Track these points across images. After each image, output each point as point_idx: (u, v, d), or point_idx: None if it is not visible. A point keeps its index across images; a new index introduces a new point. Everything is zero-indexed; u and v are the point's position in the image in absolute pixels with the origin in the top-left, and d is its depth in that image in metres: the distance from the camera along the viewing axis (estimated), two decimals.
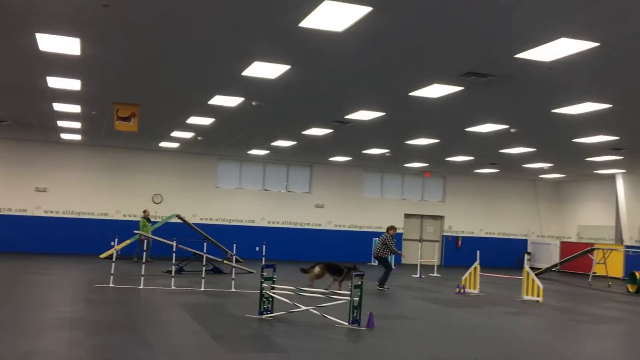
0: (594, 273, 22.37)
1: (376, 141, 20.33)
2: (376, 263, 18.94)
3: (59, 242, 24.86)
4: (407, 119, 15.94)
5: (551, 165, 24.48)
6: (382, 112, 14.99)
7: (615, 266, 23.76)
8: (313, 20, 8.41)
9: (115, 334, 9.07)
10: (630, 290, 19.54)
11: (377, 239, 18.09)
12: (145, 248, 16.43)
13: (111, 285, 14.65)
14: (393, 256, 19.11)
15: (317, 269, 15.82)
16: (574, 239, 29.99)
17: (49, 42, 10.16)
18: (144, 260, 15.58)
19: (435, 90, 12.36)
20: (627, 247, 24.49)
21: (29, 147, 24.84)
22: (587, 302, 16.51)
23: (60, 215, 25.19)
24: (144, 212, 23.49)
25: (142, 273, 15.15)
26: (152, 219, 24.48)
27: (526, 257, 17.17)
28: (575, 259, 23.71)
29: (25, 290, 13.38)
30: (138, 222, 23.81)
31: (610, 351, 10.18)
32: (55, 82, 13.32)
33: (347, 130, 17.97)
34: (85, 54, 10.82)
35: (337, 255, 27.94)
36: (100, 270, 17.83)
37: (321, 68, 11.14)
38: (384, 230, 17.91)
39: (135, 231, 19.14)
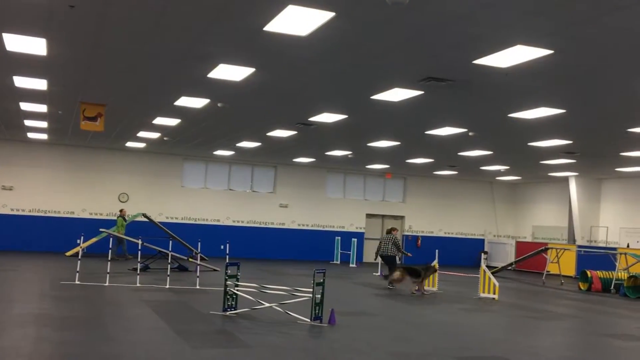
0: (548, 272, 23.03)
1: (339, 143, 20.58)
2: (378, 261, 19.94)
3: (25, 240, 24.71)
4: (369, 122, 16.16)
5: (507, 167, 25.00)
6: (345, 114, 15.20)
7: (567, 265, 24.47)
8: (278, 25, 8.51)
9: (80, 330, 9.16)
10: (582, 288, 20.17)
11: (385, 237, 18.78)
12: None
13: (77, 282, 14.67)
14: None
15: (396, 274, 16.71)
16: (528, 239, 30.73)
17: (16, 42, 10.14)
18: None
19: (396, 94, 12.55)
20: (579, 246, 25.19)
21: None
22: (540, 300, 17.01)
23: (26, 213, 25.02)
24: (121, 211, 23.53)
25: (108, 271, 15.20)
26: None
27: (483, 256, 17.59)
28: (530, 258, 24.37)
29: None
30: (105, 220, 23.85)
31: (561, 345, 10.60)
32: (21, 81, 13.27)
33: (310, 132, 18.19)
34: (51, 54, 10.82)
35: (301, 253, 28.26)
36: (66, 268, 17.82)
37: (285, 71, 11.27)
38: (386, 232, 19.11)
39: (101, 229, 19.11)
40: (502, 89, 11.64)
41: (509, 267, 25.57)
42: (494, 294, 16.22)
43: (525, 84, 11.14)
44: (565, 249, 23.39)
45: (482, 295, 16.46)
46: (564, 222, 28.66)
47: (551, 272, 23.50)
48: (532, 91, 11.77)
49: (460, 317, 12.75)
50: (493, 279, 16.42)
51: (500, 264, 27.09)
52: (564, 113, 13.47)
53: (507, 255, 29.57)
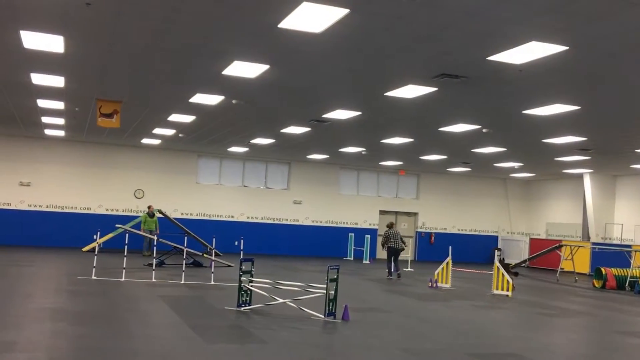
0: (562, 269, 22.95)
1: (353, 140, 20.62)
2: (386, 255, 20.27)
3: (42, 236, 24.96)
4: (383, 119, 16.18)
5: (521, 164, 24.93)
6: (359, 111, 15.24)
7: (582, 262, 24.39)
8: (292, 21, 8.55)
9: (96, 325, 9.24)
10: (596, 285, 20.08)
11: (393, 232, 19.76)
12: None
13: (93, 277, 14.81)
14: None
15: None
16: (542, 236, 30.62)
17: (33, 40, 10.27)
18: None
19: (410, 91, 12.57)
20: (594, 244, 25.09)
21: (13, 142, 24.95)
22: (554, 297, 16.97)
23: (43, 209, 25.29)
24: (149, 207, 23.92)
25: (124, 266, 15.35)
26: (134, 214, 25.26)
27: (496, 252, 17.59)
28: (544, 255, 24.29)
29: (9, 282, 13.48)
30: (121, 216, 24.30)
31: (576, 343, 10.60)
32: (39, 78, 13.42)
33: (324, 129, 18.23)
34: (68, 51, 10.94)
35: (314, 250, 28.33)
36: (83, 263, 17.97)
37: (299, 68, 11.31)
38: (390, 227, 19.89)
39: (117, 225, 19.29)
40: (517, 85, 11.64)
41: (523, 264, 25.49)
42: (508, 290, 16.18)
43: (539, 80, 11.13)
44: (579, 246, 23.29)
45: (495, 292, 16.44)
46: (578, 219, 28.52)
47: (565, 270, 23.41)
48: (546, 87, 11.75)
49: (473, 314, 12.76)
50: (507, 276, 16.40)
51: (513, 261, 27.01)
52: (578, 110, 13.44)
53: (521, 252, 29.49)
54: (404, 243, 19.65)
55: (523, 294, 16.92)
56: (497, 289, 16.47)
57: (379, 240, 29.77)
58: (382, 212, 30.51)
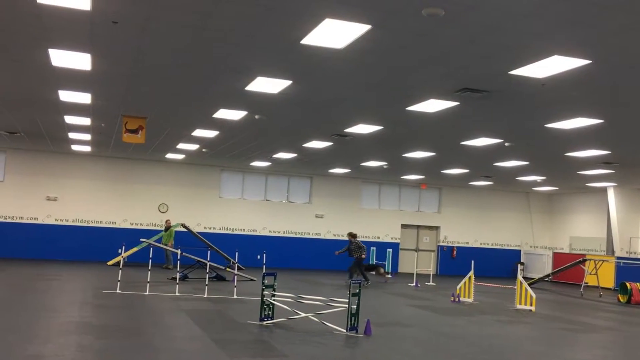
0: (586, 283, 22.70)
1: (374, 154, 20.66)
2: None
3: (68, 250, 25.32)
4: (405, 133, 16.22)
5: (544, 178, 24.78)
6: (380, 126, 15.30)
7: (606, 277, 24.11)
8: (314, 38, 8.64)
9: (121, 338, 9.35)
10: (621, 300, 19.86)
11: (359, 243, 21.93)
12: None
13: (118, 291, 14.97)
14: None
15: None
16: (566, 250, 30.31)
17: (61, 58, 10.48)
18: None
19: (432, 105, 12.60)
20: (618, 258, 24.80)
21: (40, 157, 25.39)
22: (579, 312, 16.79)
23: (69, 223, 25.63)
24: (166, 222, 24.40)
25: (148, 280, 15.49)
26: (158, 228, 25.86)
27: (519, 267, 17.50)
28: (568, 270, 24.05)
29: (35, 296, 13.66)
30: (145, 230, 25.12)
31: (601, 359, 10.48)
32: (66, 95, 13.66)
33: (346, 143, 18.31)
34: (95, 68, 11.15)
35: (336, 264, 28.31)
36: (108, 277, 18.18)
37: (322, 83, 11.41)
38: (353, 237, 22.05)
39: (141, 239, 19.49)
40: (539, 99, 11.61)
41: (546, 279, 25.26)
42: (531, 305, 16.06)
43: (562, 94, 11.10)
44: (603, 261, 23.05)
45: (518, 307, 16.33)
46: (603, 233, 28.21)
47: (589, 284, 23.16)
48: (569, 101, 11.71)
49: (496, 329, 12.69)
50: (530, 290, 16.28)
51: (536, 275, 26.78)
52: (602, 123, 13.36)
53: (544, 267, 29.21)
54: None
55: (547, 309, 16.78)
56: (520, 303, 16.36)
57: (401, 254, 29.83)
58: (403, 226, 30.45)
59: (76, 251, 25.40)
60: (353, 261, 21.68)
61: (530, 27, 7.78)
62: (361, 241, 22.10)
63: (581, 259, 23.29)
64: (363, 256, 21.48)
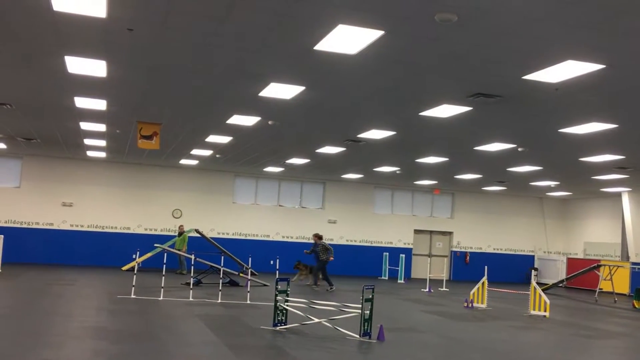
0: (601, 289, 22.57)
1: (387, 159, 20.66)
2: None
3: (83, 255, 25.52)
4: (418, 138, 16.21)
5: (558, 183, 24.66)
6: (393, 131, 15.30)
7: (621, 282, 23.95)
8: (327, 44, 8.67)
9: (136, 343, 9.42)
10: (636, 306, 19.70)
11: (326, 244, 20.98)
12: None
13: (132, 296, 15.05)
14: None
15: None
16: (580, 256, 30.12)
17: (77, 65, 10.58)
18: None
19: (445, 111, 12.59)
20: (633, 263, 24.64)
21: (56, 163, 25.63)
22: (593, 318, 16.70)
23: (85, 229, 25.84)
24: (179, 227, 24.50)
25: (162, 285, 15.57)
26: (172, 233, 25.97)
27: (533, 272, 17.44)
28: (582, 275, 23.91)
29: (51, 301, 13.76)
30: (160, 235, 25.55)
31: None
32: (82, 102, 13.77)
33: (359, 149, 18.33)
34: (111, 75, 11.24)
35: (349, 269, 28.33)
36: (123, 282, 18.29)
37: (334, 89, 11.43)
38: (318, 238, 21.02)
39: (155, 244, 19.63)
40: (552, 104, 11.57)
41: (560, 284, 25.13)
42: (545, 311, 15.99)
43: (576, 98, 11.06)
44: (618, 266, 22.91)
45: (532, 312, 16.26)
46: (617, 239, 28.03)
47: (604, 290, 23.01)
48: (583, 106, 11.66)
49: (510, 335, 12.65)
50: (544, 296, 16.21)
51: (550, 281, 26.65)
52: (616, 128, 13.30)
53: (558, 272, 29.06)
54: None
55: (561, 315, 16.69)
56: (534, 309, 16.29)
57: (414, 260, 29.77)
58: (416, 232, 30.41)
59: (91, 256, 25.57)
60: (317, 264, 20.73)
61: (544, 32, 7.77)
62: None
63: (596, 264, 23.14)
64: (331, 258, 20.59)
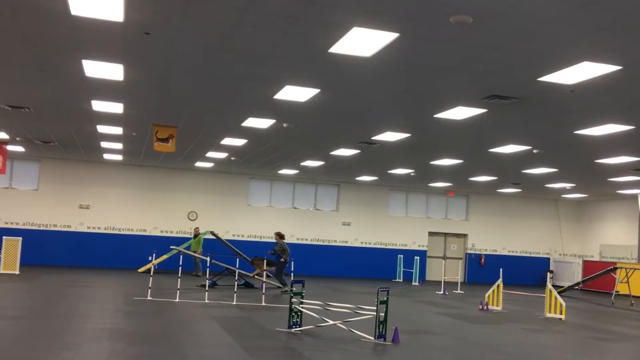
0: (617, 292, 22.41)
1: (401, 161, 20.65)
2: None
3: (100, 257, 25.75)
4: (432, 140, 16.20)
5: (573, 185, 24.53)
6: (408, 133, 15.30)
7: (638, 285, 23.73)
8: (342, 46, 8.69)
9: (152, 345, 9.48)
10: None
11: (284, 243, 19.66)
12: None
13: (149, 298, 15.17)
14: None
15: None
16: (596, 258, 29.93)
17: (95, 68, 10.68)
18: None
19: (460, 113, 12.58)
20: None
21: (73, 166, 25.89)
22: (609, 321, 16.60)
23: (101, 231, 26.04)
24: (195, 229, 24.72)
25: (178, 287, 15.65)
26: (187, 236, 26.14)
27: (549, 275, 17.37)
28: (598, 278, 23.75)
29: (68, 302, 13.88)
30: (175, 238, 25.74)
31: None
32: (99, 105, 13.89)
33: (373, 151, 18.34)
34: (128, 79, 11.33)
35: (363, 271, 28.36)
36: (139, 284, 18.42)
37: (349, 91, 11.45)
38: (280, 237, 19.90)
39: (171, 246, 19.72)
40: (568, 105, 11.53)
41: (576, 287, 24.98)
42: (561, 314, 15.91)
43: (592, 100, 11.01)
44: (635, 269, 22.73)
45: (548, 315, 16.19)
46: (634, 241, 27.80)
47: (620, 293, 22.85)
48: (599, 107, 11.61)
49: (525, 338, 12.60)
50: (559, 299, 16.13)
51: (566, 284, 26.50)
52: (633, 129, 13.22)
53: (574, 275, 28.89)
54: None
55: (577, 318, 16.60)
56: (550, 312, 16.22)
57: (429, 262, 29.70)
58: (431, 234, 30.35)
59: (108, 258, 25.79)
60: (277, 265, 19.50)
61: (560, 34, 7.75)
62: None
63: (612, 267, 22.99)
64: (284, 260, 19.09)
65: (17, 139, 20.16)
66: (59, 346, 9.00)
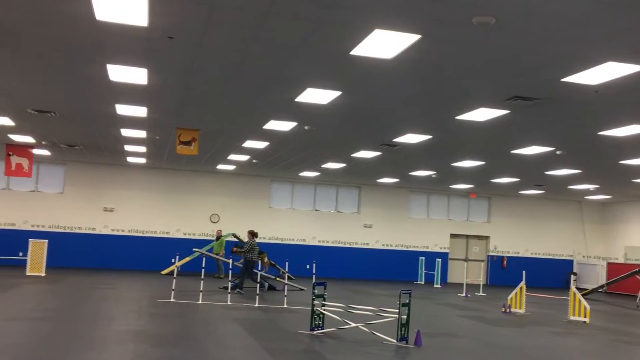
0: None
1: (423, 163, 20.59)
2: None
3: (124, 259, 25.98)
4: (454, 142, 16.14)
5: (597, 186, 24.29)
6: (429, 135, 15.26)
7: None
8: (364, 48, 8.69)
9: (175, 347, 9.55)
10: None
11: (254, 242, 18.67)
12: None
13: (172, 300, 15.27)
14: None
15: None
16: (620, 260, 29.57)
17: (119, 73, 10.79)
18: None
19: (482, 114, 12.52)
20: None
21: (98, 169, 26.18)
22: (634, 324, 16.42)
23: (125, 233, 26.31)
24: (218, 231, 25.05)
25: (201, 289, 15.75)
26: (210, 238, 26.29)
27: (572, 277, 17.22)
28: (623, 280, 23.49)
29: (93, 304, 14.04)
30: (198, 240, 26.03)
31: None
32: (123, 109, 14.04)
33: (394, 153, 18.31)
34: (151, 83, 11.44)
35: (385, 273, 28.30)
36: (162, 286, 18.53)
37: (371, 93, 11.45)
38: (252, 235, 18.90)
39: (194, 249, 19.86)
40: (592, 106, 11.43)
41: (600, 290, 24.71)
42: (585, 317, 15.75)
43: (616, 100, 10.91)
44: None
45: (572, 318, 16.04)
46: None
47: None
48: (623, 108, 11.49)
49: (549, 341, 12.51)
50: (584, 302, 15.97)
51: (590, 286, 26.23)
52: None
53: (598, 277, 28.58)
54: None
55: (601, 321, 16.43)
56: (573, 315, 16.07)
57: (450, 264, 29.58)
58: (452, 236, 30.21)
59: (131, 260, 26.01)
60: (243, 264, 18.66)
61: (584, 34, 7.70)
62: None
63: (637, 269, 22.73)
64: (253, 260, 18.15)
65: (43, 142, 20.43)
66: (84, 348, 9.10)
